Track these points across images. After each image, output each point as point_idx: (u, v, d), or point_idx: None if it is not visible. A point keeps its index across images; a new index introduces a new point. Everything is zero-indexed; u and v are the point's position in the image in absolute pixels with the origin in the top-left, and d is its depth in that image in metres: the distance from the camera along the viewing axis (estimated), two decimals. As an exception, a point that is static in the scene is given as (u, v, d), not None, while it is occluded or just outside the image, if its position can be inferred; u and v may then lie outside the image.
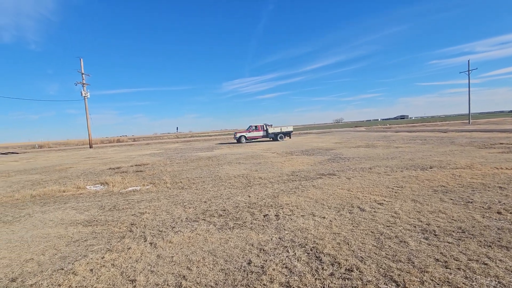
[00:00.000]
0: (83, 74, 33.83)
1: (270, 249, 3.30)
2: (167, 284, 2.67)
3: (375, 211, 4.44)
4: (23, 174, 11.99)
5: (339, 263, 2.86)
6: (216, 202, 5.55)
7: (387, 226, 3.78)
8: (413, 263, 2.79)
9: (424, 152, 11.39)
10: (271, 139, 26.94)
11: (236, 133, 27.38)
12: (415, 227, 3.72)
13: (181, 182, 7.92)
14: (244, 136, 26.48)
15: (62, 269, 3.12)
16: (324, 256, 3.04)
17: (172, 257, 3.25)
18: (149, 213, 5.08)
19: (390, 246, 3.19)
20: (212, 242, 3.60)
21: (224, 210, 4.99)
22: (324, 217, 4.29)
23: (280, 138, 26.73)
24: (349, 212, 4.47)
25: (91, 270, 3.04)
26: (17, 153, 32.83)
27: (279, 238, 3.62)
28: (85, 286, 2.72)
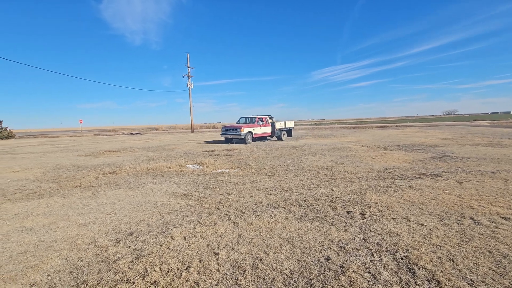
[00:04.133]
0: (188, 67, 38.81)
1: (352, 249, 3.04)
2: (245, 263, 2.80)
3: (496, 227, 3.51)
4: (143, 151, 14.80)
5: (438, 282, 2.38)
6: (297, 192, 5.50)
7: (515, 249, 2.93)
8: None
9: None
10: (277, 138, 19.90)
11: (234, 128, 16.99)
12: None
13: (265, 168, 8.20)
14: (251, 132, 17.19)
15: (164, 232, 3.69)
16: (419, 269, 2.59)
17: (252, 238, 3.39)
18: (234, 194, 5.46)
19: (518, 274, 2.46)
20: (290, 231, 3.58)
21: (305, 201, 4.89)
22: (422, 224, 3.66)
23: (283, 136, 19.83)
24: (458, 223, 3.67)
25: (184, 237, 3.49)
26: (140, 134, 40.83)
27: (363, 239, 3.29)
28: (179, 250, 3.14)
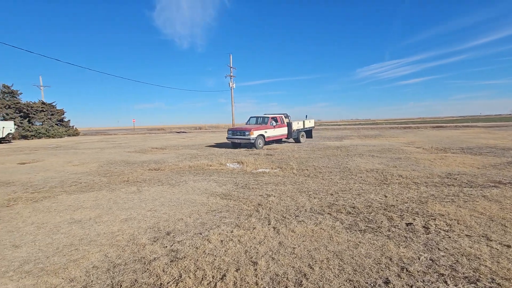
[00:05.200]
0: (231, 67, 39.53)
1: (418, 271, 2.50)
2: (287, 278, 2.46)
3: None
4: (186, 148, 15.30)
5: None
6: (344, 197, 4.97)
7: None
8: None
9: None
10: (294, 140, 17.08)
11: (240, 129, 14.16)
12: None
13: (307, 169, 7.73)
14: (263, 135, 14.18)
15: (201, 233, 3.52)
16: (516, 308, 1.98)
17: (294, 248, 3.03)
18: (274, 196, 5.14)
19: None
20: (339, 243, 3.14)
21: (354, 208, 4.36)
22: (509, 246, 2.93)
23: (302, 138, 17.00)
24: (561, 248, 2.86)
25: (221, 241, 3.27)
26: (185, 132, 42.82)
27: (431, 259, 2.71)
28: (215, 255, 2.93)
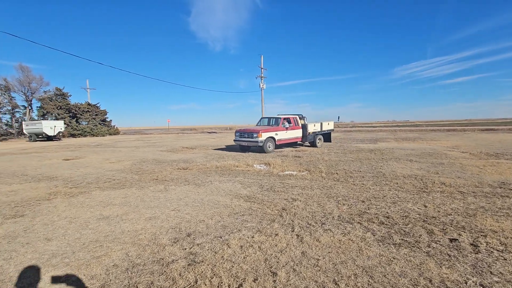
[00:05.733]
0: (262, 68, 39.59)
1: (464, 299, 2.14)
2: (308, 293, 2.24)
3: None
4: (215, 148, 15.50)
5: None
6: (377, 205, 4.57)
7: None
8: None
9: None
10: (310, 144, 15.36)
11: (248, 131, 12.94)
12: None
13: (337, 173, 7.33)
14: (273, 137, 12.92)
15: (221, 237, 3.42)
16: None
17: (318, 260, 2.79)
18: (300, 200, 4.89)
19: None
20: (369, 257, 2.83)
21: (388, 217, 3.97)
22: None
23: (318, 141, 15.24)
24: None
25: (241, 247, 3.13)
26: (216, 133, 43.73)
27: (481, 285, 2.31)
28: (233, 262, 2.79)
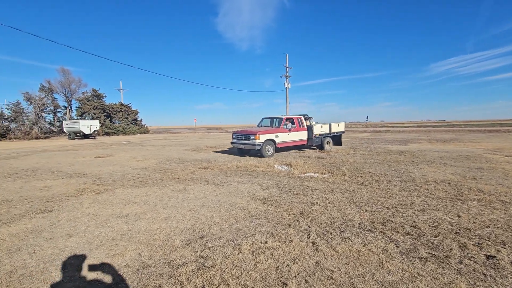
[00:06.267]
0: (287, 67, 39.18)
1: (501, 329, 1.85)
2: (319, 309, 2.08)
3: None
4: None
5: None
6: (403, 212, 4.24)
7: None
8: None
9: None
10: (317, 147, 14.12)
11: (245, 133, 11.67)
12: None
13: (361, 176, 6.97)
14: (273, 140, 11.60)
15: (233, 241, 3.34)
16: None
17: (333, 271, 2.61)
18: (319, 205, 4.68)
19: None
20: (390, 272, 2.59)
21: (414, 227, 3.65)
22: None
23: (327, 144, 13.74)
24: None
25: (253, 252, 3.03)
26: (241, 132, 44.05)
27: (523, 313, 2.00)
28: (243, 269, 2.70)
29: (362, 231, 3.56)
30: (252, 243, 3.26)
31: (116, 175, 7.81)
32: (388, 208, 4.49)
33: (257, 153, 11.53)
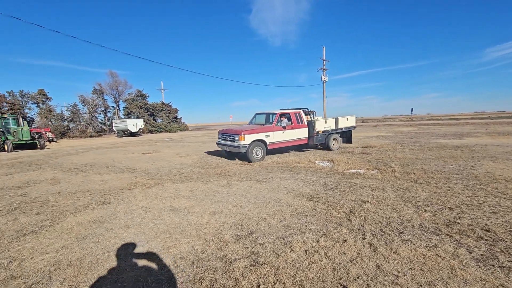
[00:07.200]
0: (324, 60, 37.91)
1: None
2: (388, 318, 1.91)
3: None
4: (276, 144, 15.45)
5: None
6: (471, 214, 3.78)
7: None
8: None
9: None
10: (321, 146, 12.15)
11: (230, 132, 9.84)
12: None
13: (414, 173, 6.42)
14: (262, 140, 9.48)
15: (283, 238, 3.26)
16: None
17: (397, 276, 2.39)
18: (371, 203, 4.40)
19: None
20: (466, 281, 2.30)
21: (487, 231, 3.23)
22: None
23: (333, 143, 11.68)
24: None
25: (305, 251, 2.92)
26: (276, 128, 43.85)
27: None
28: (297, 268, 2.60)
29: (425, 233, 3.24)
30: (304, 242, 3.15)
31: (162, 170, 8.21)
32: (452, 208, 4.04)
33: (242, 156, 9.57)
